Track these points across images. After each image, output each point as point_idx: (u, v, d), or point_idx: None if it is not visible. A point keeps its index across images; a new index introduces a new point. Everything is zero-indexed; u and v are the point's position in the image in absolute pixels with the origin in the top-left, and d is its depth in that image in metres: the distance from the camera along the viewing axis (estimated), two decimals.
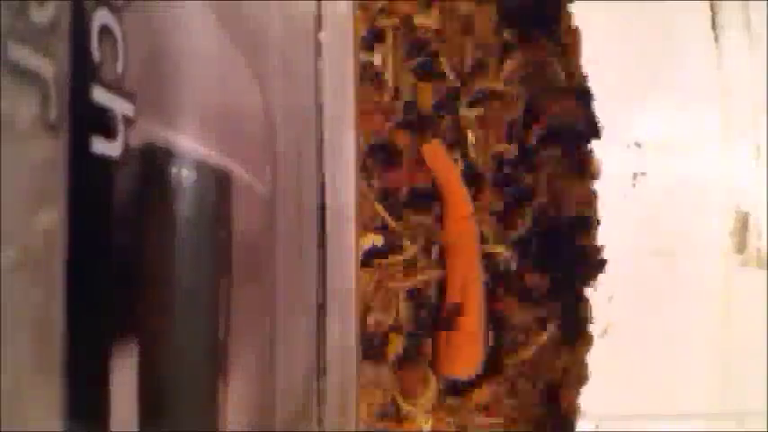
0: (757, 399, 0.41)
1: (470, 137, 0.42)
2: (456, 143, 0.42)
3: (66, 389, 0.16)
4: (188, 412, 0.22)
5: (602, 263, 0.43)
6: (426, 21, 0.42)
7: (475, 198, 0.42)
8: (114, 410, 0.18)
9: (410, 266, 0.42)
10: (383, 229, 0.41)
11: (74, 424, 0.16)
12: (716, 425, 0.42)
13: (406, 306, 0.42)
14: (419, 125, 0.42)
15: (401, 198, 0.42)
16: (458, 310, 0.41)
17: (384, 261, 0.41)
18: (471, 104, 0.43)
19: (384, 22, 0.42)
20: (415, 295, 0.42)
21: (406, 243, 0.41)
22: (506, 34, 0.43)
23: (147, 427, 0.19)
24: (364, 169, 0.41)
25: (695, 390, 0.43)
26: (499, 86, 0.43)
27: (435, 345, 0.42)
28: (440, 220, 0.42)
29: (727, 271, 0.44)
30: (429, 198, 0.42)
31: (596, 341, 0.43)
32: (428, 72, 0.42)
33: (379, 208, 0.41)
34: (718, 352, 0.43)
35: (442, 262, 0.42)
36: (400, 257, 0.41)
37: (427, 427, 0.42)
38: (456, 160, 0.42)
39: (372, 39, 0.42)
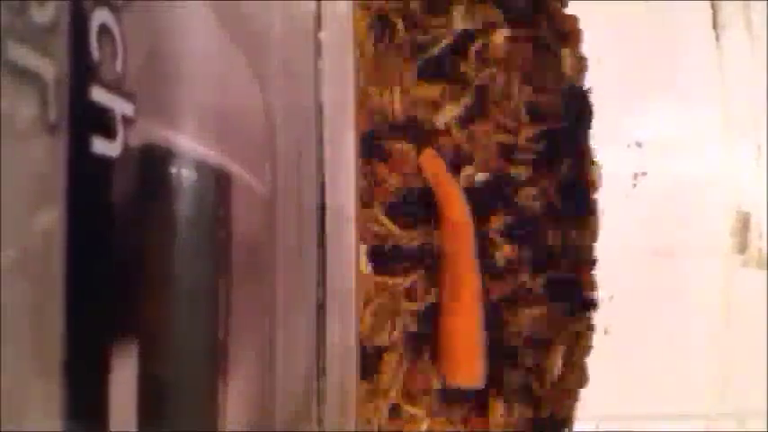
0: (757, 399, 0.41)
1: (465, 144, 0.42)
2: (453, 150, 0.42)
3: (66, 389, 0.16)
4: (188, 412, 0.22)
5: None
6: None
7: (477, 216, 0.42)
8: (114, 410, 0.18)
9: (411, 291, 0.42)
10: (381, 237, 0.41)
11: (73, 424, 0.16)
12: (716, 425, 0.42)
13: (405, 317, 0.42)
14: (414, 129, 0.42)
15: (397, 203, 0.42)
16: (450, 313, 0.41)
17: (384, 281, 0.41)
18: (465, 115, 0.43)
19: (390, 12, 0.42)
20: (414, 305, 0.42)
21: (408, 268, 0.41)
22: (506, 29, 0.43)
23: (146, 426, 0.19)
24: (364, 170, 0.41)
25: (695, 390, 0.43)
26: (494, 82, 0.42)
27: (436, 352, 0.42)
28: (436, 227, 0.42)
29: (727, 271, 0.44)
30: (426, 212, 0.42)
31: (596, 341, 0.43)
32: (432, 72, 0.42)
33: (383, 218, 0.41)
34: (718, 352, 0.43)
35: (438, 271, 0.42)
36: (400, 281, 0.41)
37: (424, 426, 0.42)
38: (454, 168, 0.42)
39: (379, 31, 0.42)
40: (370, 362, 0.41)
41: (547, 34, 0.43)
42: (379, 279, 0.41)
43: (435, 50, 0.42)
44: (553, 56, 0.43)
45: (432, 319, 0.42)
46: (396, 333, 0.41)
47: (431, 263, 0.42)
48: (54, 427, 0.16)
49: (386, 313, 0.41)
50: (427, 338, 0.42)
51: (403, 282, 0.41)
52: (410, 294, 0.42)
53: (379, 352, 0.41)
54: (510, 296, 0.42)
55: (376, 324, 0.41)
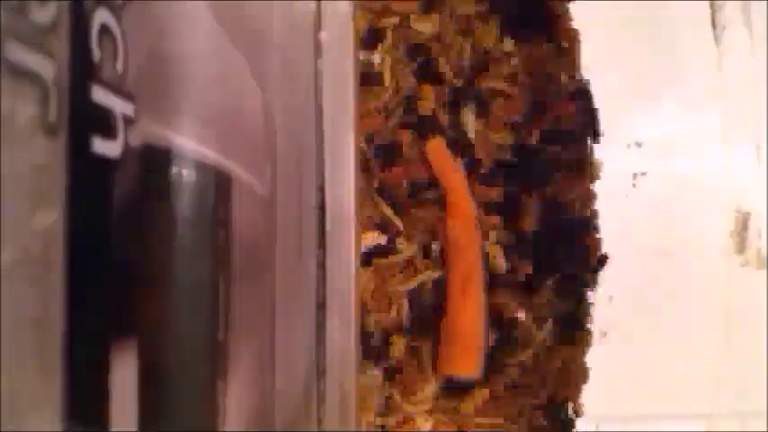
0: (758, 399, 0.41)
1: (471, 135, 0.42)
2: (457, 143, 0.42)
3: (66, 389, 0.16)
4: (188, 412, 0.22)
5: (604, 259, 0.43)
6: (425, 25, 0.42)
7: (476, 197, 0.42)
8: (114, 410, 0.18)
9: (409, 266, 0.42)
10: (382, 227, 0.41)
11: (74, 424, 0.16)
12: (716, 425, 0.42)
13: (407, 306, 0.42)
14: (420, 125, 0.42)
15: (401, 194, 0.42)
16: (459, 309, 0.41)
17: (383, 261, 0.41)
18: (473, 103, 0.43)
19: (384, 21, 0.42)
20: (415, 295, 0.42)
21: (406, 243, 0.41)
22: (505, 39, 0.43)
23: (146, 427, 0.19)
24: (365, 169, 0.41)
25: (695, 390, 0.43)
26: (500, 85, 0.43)
27: (437, 344, 0.42)
28: (441, 218, 0.42)
29: (727, 271, 0.44)
30: (429, 193, 0.42)
31: (596, 341, 0.43)
32: (428, 73, 0.42)
33: (381, 203, 0.41)
34: (718, 352, 0.43)
35: (442, 261, 0.42)
36: (400, 257, 0.41)
37: (427, 426, 0.42)
38: (458, 160, 0.42)
39: (372, 39, 0.42)
40: (378, 348, 0.41)
41: (547, 49, 0.43)
42: (378, 277, 0.41)
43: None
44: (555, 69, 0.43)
45: (432, 316, 0.42)
46: (396, 315, 0.41)
47: (430, 257, 0.42)
48: (54, 427, 0.16)
49: (383, 297, 0.41)
50: (428, 338, 0.42)
51: (403, 284, 0.41)
52: (409, 293, 0.42)
53: (386, 336, 0.41)
54: (511, 292, 0.42)
55: (376, 307, 0.41)
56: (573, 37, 0.43)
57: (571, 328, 0.43)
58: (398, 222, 0.41)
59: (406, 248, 0.41)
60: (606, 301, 0.43)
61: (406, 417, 0.41)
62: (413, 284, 0.41)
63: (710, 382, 0.43)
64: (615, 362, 0.43)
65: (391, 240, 0.41)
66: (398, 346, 0.41)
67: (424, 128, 0.42)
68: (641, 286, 0.43)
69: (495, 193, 0.42)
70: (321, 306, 0.31)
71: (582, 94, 0.43)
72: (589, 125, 0.43)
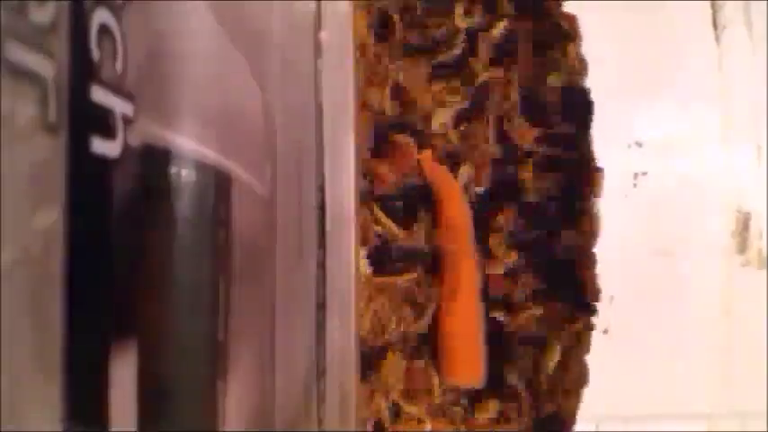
0: (758, 399, 0.41)
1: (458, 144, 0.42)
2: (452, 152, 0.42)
3: (66, 389, 0.16)
4: (188, 412, 0.22)
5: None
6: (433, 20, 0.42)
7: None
8: (114, 410, 0.18)
9: (411, 293, 0.42)
10: (381, 242, 0.41)
11: (73, 424, 0.16)
12: (717, 425, 0.42)
13: (405, 315, 0.42)
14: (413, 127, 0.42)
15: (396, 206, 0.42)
16: (455, 318, 0.41)
17: (383, 281, 0.41)
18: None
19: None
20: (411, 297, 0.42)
21: (408, 266, 0.41)
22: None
23: (146, 427, 0.19)
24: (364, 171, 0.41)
25: (695, 390, 0.43)
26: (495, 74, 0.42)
27: (436, 351, 0.42)
28: (434, 228, 0.42)
29: (727, 271, 0.44)
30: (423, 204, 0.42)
31: (596, 341, 0.43)
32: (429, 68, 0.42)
33: (381, 214, 0.41)
34: (718, 352, 0.43)
35: (436, 270, 0.42)
36: (399, 279, 0.41)
37: (428, 427, 0.42)
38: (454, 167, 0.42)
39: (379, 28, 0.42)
40: (368, 362, 0.41)
41: (547, 31, 0.43)
42: (378, 279, 0.41)
43: (446, 55, 0.42)
44: (553, 55, 0.43)
45: (432, 318, 0.42)
46: (396, 332, 0.41)
47: (430, 262, 0.42)
48: (54, 427, 0.16)
49: (386, 313, 0.41)
50: (427, 338, 0.42)
51: (401, 280, 0.41)
52: (410, 293, 0.42)
53: (380, 351, 0.41)
54: (509, 296, 0.42)
55: (376, 325, 0.41)
56: (571, 20, 0.43)
57: (571, 330, 0.43)
58: (399, 233, 0.41)
59: (409, 271, 0.41)
60: (606, 301, 0.43)
61: (406, 418, 0.41)
62: (422, 321, 0.41)
63: (710, 382, 0.43)
64: (615, 362, 0.43)
65: (391, 260, 0.41)
66: (392, 362, 0.41)
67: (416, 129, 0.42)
68: (641, 286, 0.43)
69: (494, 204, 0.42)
70: (321, 306, 0.31)
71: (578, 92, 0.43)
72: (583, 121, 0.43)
